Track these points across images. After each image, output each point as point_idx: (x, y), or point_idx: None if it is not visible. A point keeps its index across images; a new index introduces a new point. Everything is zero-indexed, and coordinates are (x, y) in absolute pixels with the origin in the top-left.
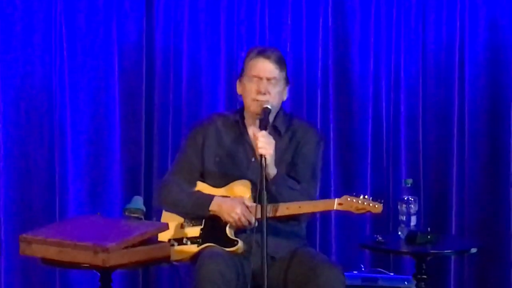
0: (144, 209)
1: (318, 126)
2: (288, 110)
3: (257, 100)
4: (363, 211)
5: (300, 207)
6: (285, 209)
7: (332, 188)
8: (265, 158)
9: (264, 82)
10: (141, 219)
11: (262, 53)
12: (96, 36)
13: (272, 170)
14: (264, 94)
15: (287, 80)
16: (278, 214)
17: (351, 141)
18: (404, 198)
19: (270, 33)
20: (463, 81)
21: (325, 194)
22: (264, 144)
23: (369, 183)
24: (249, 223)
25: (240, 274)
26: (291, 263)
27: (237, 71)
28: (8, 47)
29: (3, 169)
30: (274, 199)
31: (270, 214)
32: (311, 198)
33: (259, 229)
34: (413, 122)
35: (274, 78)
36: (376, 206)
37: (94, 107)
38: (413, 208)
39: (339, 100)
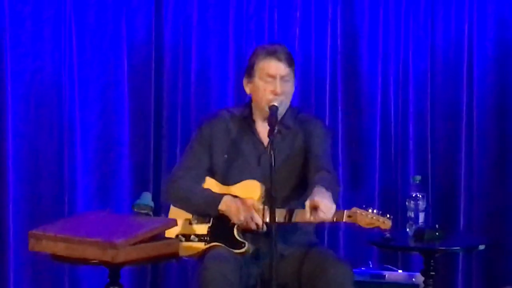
0: (153, 205)
1: (327, 122)
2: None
3: (272, 101)
4: (371, 226)
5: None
6: (294, 216)
7: (341, 185)
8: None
9: (278, 81)
10: (150, 215)
11: (273, 53)
12: (106, 32)
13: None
14: (279, 95)
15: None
16: (287, 221)
17: (359, 137)
18: (412, 195)
19: (279, 29)
20: (471, 77)
21: None
22: (326, 208)
23: (377, 179)
24: (257, 226)
25: (243, 274)
26: (302, 260)
27: (246, 67)
28: (18, 42)
29: (12, 164)
30: None
31: (279, 221)
32: (339, 184)
33: (267, 232)
34: (421, 118)
35: (288, 75)
36: (385, 222)
37: (103, 102)
38: (421, 204)
39: (348, 96)
